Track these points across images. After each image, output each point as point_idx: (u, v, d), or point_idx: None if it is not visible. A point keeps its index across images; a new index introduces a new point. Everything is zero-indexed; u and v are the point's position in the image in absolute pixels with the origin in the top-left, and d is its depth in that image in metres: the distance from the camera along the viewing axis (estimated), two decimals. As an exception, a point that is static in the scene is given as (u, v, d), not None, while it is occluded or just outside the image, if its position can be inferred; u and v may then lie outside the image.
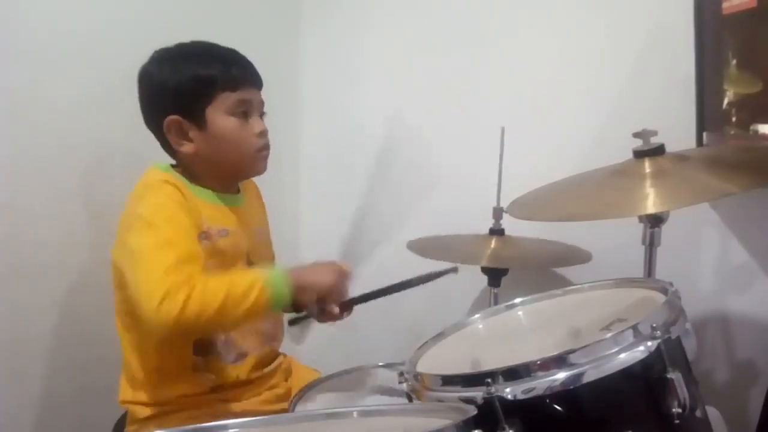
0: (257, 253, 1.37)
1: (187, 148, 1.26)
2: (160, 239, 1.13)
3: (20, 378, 1.37)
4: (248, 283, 1.11)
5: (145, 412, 1.25)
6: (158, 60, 1.27)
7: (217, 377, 1.27)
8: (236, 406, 1.28)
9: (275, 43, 1.96)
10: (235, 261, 1.29)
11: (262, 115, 1.32)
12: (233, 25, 1.75)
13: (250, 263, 1.33)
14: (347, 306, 1.30)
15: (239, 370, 1.30)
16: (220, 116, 1.25)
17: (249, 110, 1.28)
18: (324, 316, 1.31)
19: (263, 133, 1.29)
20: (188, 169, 1.29)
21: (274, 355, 1.40)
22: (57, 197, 1.41)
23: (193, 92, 1.24)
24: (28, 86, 1.36)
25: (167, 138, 1.26)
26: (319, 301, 1.22)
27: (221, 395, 1.28)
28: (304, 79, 2.04)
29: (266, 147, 1.31)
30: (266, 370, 1.35)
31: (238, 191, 1.38)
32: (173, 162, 1.31)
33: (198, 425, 0.84)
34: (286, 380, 1.41)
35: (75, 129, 1.43)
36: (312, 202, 2.07)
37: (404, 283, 1.24)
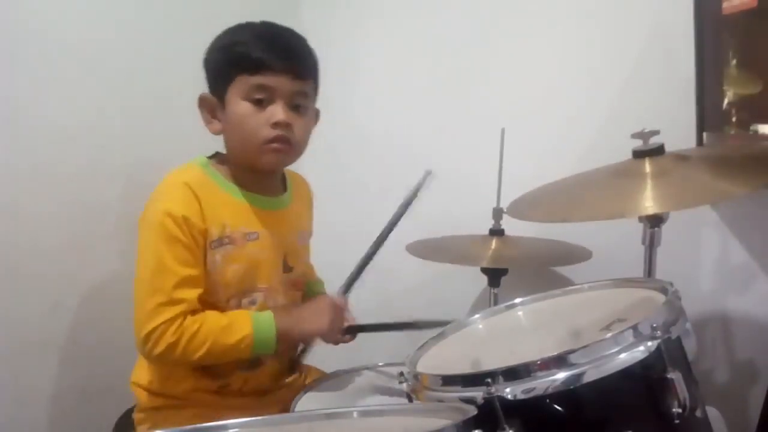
0: (295, 257, 1.34)
1: (213, 127, 1.25)
2: (148, 277, 1.16)
3: (20, 379, 1.37)
4: (236, 339, 1.16)
5: (152, 402, 1.25)
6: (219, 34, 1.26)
7: (225, 380, 1.26)
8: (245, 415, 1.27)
9: (275, 43, 1.95)
10: (264, 265, 1.26)
11: (298, 107, 1.23)
12: (233, 25, 1.75)
13: (287, 268, 1.31)
14: (351, 331, 1.33)
15: (251, 377, 1.28)
16: (235, 99, 1.20)
17: (270, 98, 1.20)
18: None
19: (279, 124, 1.19)
20: (227, 154, 1.28)
21: (295, 365, 1.37)
22: (56, 200, 1.40)
23: (219, 70, 1.22)
24: (28, 88, 1.35)
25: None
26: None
27: (231, 401, 1.26)
28: (304, 80, 2.03)
29: (278, 139, 1.20)
30: (281, 383, 1.33)
31: (284, 191, 1.34)
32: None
33: (198, 425, 0.84)
34: None
35: (74, 132, 1.42)
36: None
37: (409, 324, 1.31)
